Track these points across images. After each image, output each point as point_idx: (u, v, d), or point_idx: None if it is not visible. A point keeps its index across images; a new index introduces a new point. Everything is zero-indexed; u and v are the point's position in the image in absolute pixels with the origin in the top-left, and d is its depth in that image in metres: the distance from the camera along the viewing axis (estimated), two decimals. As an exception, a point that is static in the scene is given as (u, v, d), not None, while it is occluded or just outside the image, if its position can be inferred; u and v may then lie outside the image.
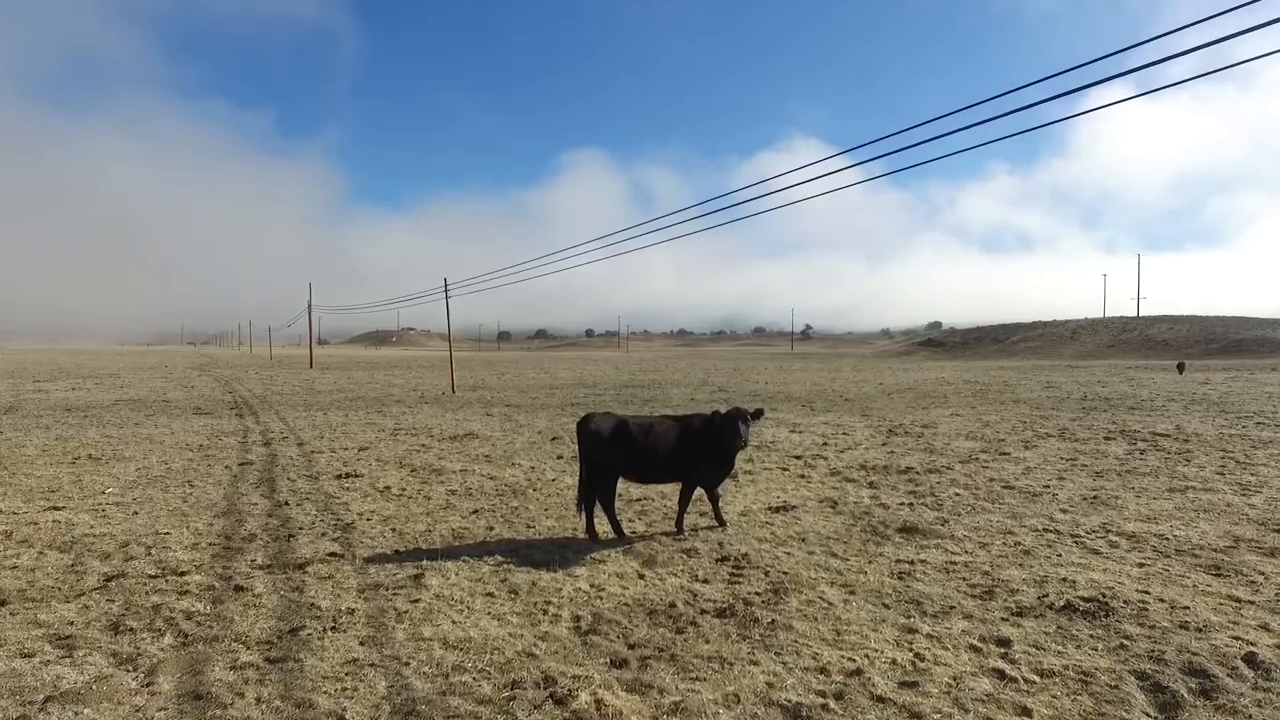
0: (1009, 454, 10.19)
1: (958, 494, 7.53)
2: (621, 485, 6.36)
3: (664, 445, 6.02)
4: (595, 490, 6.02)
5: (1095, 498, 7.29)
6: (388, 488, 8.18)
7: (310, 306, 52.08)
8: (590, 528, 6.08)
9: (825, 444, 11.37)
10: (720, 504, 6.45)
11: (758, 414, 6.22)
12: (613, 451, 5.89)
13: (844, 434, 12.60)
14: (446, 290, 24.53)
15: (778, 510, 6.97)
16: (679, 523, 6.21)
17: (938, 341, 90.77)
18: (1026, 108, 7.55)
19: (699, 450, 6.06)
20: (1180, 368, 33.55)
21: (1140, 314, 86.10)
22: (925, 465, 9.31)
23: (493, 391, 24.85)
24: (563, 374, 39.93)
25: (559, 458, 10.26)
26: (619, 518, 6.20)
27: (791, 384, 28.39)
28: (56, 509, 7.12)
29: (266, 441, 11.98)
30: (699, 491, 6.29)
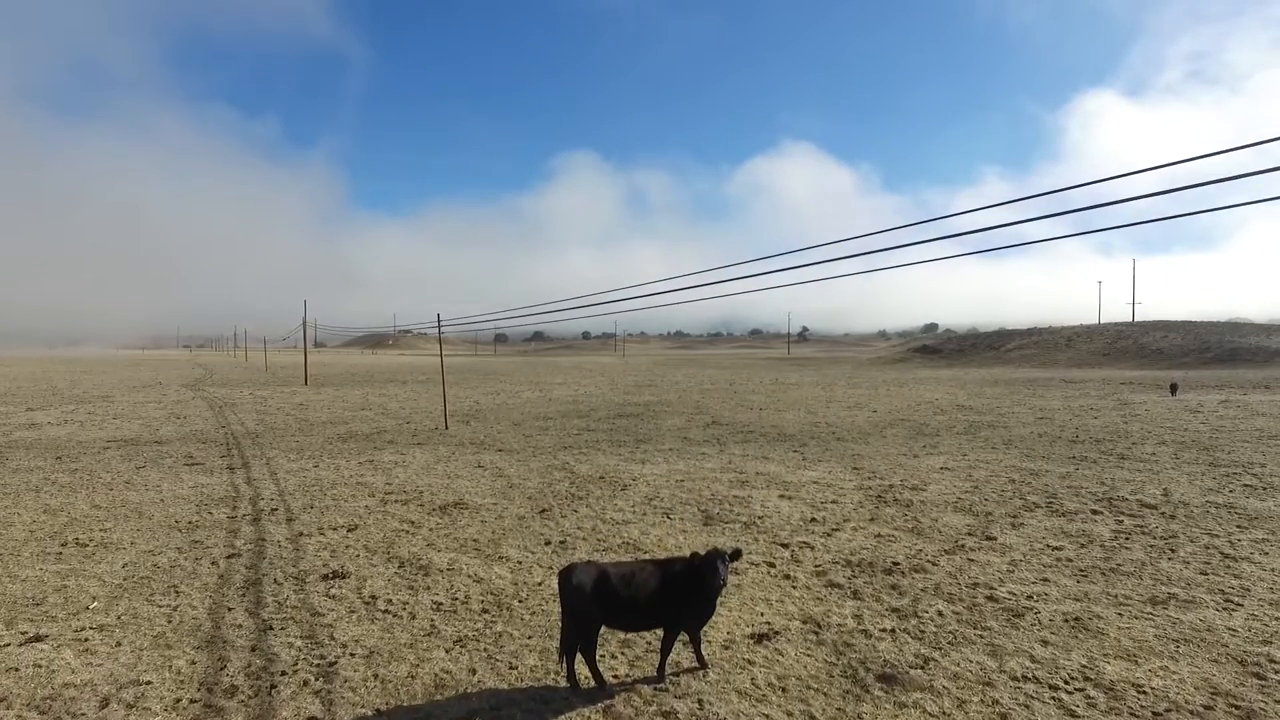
0: (995, 538, 10.23)
1: (940, 613, 7.56)
2: None
3: (645, 593, 6.04)
4: (576, 640, 6.04)
5: (1077, 620, 7.32)
6: (373, 598, 8.19)
7: (305, 322, 52.01)
8: (571, 676, 6.10)
9: (813, 520, 11.40)
10: (702, 645, 6.48)
11: (735, 555, 6.28)
12: (594, 606, 5.91)
13: (833, 502, 12.65)
14: (440, 326, 24.51)
15: (760, 640, 7.00)
16: (660, 670, 6.24)
17: (933, 348, 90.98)
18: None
19: (680, 594, 6.10)
20: (1173, 389, 33.67)
21: (1135, 319, 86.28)
22: (910, 559, 9.35)
23: (485, 424, 24.87)
24: (557, 392, 39.99)
25: (547, 544, 10.28)
26: (600, 658, 6.25)
27: (786, 409, 28.46)
28: (39, 640, 7.11)
29: (256, 517, 11.98)
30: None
